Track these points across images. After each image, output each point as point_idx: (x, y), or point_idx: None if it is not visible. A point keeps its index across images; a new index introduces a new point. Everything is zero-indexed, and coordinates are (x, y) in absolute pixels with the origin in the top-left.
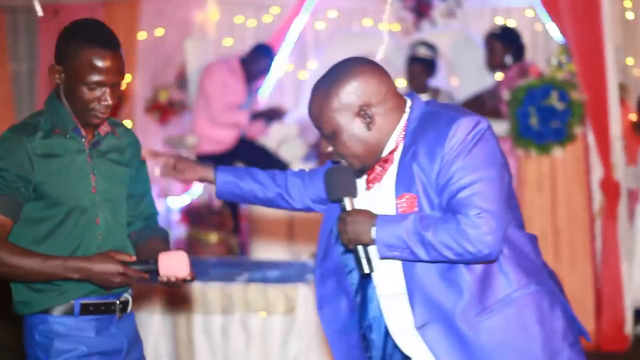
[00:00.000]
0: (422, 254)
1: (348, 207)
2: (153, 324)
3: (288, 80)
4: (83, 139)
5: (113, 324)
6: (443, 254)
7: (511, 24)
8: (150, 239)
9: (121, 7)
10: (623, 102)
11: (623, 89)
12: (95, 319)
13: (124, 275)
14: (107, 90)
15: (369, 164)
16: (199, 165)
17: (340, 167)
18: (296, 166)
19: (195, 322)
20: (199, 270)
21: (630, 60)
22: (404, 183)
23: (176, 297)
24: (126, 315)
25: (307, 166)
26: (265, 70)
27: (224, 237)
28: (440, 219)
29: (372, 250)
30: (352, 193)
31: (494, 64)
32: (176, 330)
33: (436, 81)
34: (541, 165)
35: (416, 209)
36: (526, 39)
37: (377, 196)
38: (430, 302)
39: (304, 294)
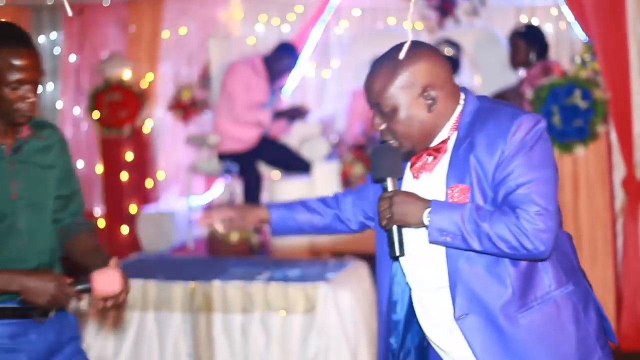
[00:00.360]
0: (475, 243)
1: (390, 188)
2: (173, 323)
3: (311, 79)
4: (2, 146)
5: (33, 328)
6: (497, 246)
7: (535, 22)
8: (78, 234)
9: (145, 5)
10: None
11: None
12: (11, 323)
13: (62, 294)
14: (29, 87)
15: (418, 148)
16: (253, 209)
17: (389, 147)
18: (317, 165)
19: (215, 320)
20: (220, 269)
21: None
22: (457, 174)
23: (196, 296)
24: (53, 319)
25: (329, 165)
26: (289, 69)
27: (244, 236)
28: (498, 212)
29: (410, 234)
30: (397, 174)
31: (517, 62)
32: (196, 329)
33: (459, 79)
34: (563, 164)
35: (467, 200)
36: (550, 37)
37: (426, 185)
38: (472, 294)
39: (324, 293)
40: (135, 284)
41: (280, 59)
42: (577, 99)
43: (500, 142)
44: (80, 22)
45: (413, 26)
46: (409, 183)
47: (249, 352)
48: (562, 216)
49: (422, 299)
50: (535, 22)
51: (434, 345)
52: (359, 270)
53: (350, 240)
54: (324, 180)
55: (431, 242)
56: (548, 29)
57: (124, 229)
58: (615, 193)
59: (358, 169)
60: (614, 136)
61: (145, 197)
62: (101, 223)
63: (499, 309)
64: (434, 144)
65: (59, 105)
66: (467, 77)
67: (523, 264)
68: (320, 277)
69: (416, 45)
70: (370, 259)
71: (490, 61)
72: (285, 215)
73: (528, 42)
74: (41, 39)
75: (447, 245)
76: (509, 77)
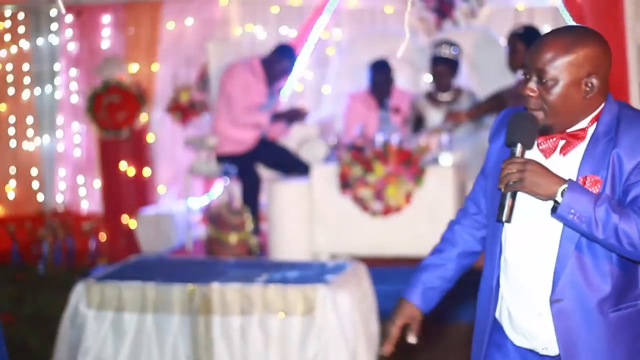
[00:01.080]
0: (599, 230)
1: (518, 154)
2: (172, 325)
3: (309, 81)
4: None
5: None
6: (619, 239)
7: (533, 23)
8: None
9: (143, 7)
10: None
11: None
12: None
13: None
14: None
15: (557, 127)
16: (412, 311)
17: (530, 115)
18: (316, 166)
19: (214, 323)
20: (219, 271)
21: None
22: (593, 164)
23: (195, 298)
24: None
25: (327, 167)
26: (287, 70)
27: (243, 238)
28: (629, 209)
29: (529, 209)
30: (529, 144)
31: (515, 64)
32: (195, 331)
33: (458, 80)
34: None
35: (598, 191)
36: None
37: (555, 167)
38: (574, 282)
39: (323, 295)
40: (134, 286)
41: (278, 60)
42: None
43: None
44: (79, 24)
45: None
46: (540, 160)
47: (248, 354)
48: None
49: (518, 277)
50: (533, 23)
51: (509, 328)
52: (358, 273)
53: (349, 242)
54: (322, 182)
55: (556, 216)
56: (546, 31)
57: (123, 231)
58: None
59: (356, 171)
60: None
61: (143, 199)
62: (100, 225)
63: (595, 303)
64: (571, 129)
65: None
66: (466, 79)
67: (629, 266)
68: (319, 279)
69: (594, 32)
70: (368, 261)
71: (488, 63)
72: (430, 296)
73: (526, 44)
74: (39, 41)
75: (570, 225)
76: (508, 79)
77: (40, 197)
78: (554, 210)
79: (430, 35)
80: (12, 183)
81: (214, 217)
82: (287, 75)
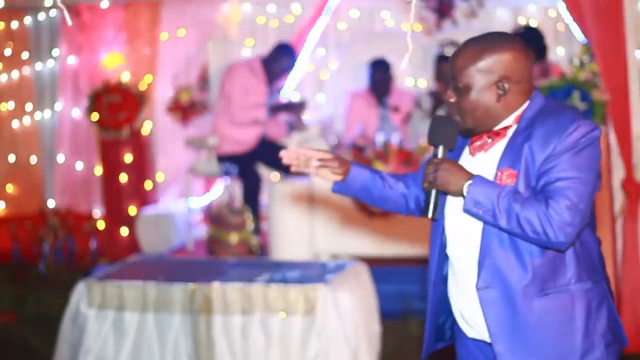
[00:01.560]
0: (503, 220)
1: (440, 155)
2: (173, 325)
3: (310, 81)
4: None
5: None
6: (522, 227)
7: (533, 23)
8: None
9: (143, 7)
10: None
11: None
12: None
13: None
14: None
15: (479, 128)
16: (343, 162)
17: (450, 119)
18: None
19: (215, 322)
20: (219, 271)
21: None
22: (509, 159)
23: (196, 298)
24: None
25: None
26: (287, 69)
27: (244, 238)
28: (532, 198)
29: (454, 208)
30: (450, 145)
31: None
32: (196, 330)
33: None
34: None
35: (514, 184)
36: (548, 38)
37: (479, 164)
38: (496, 271)
39: (323, 295)
40: (135, 285)
41: (278, 59)
42: (576, 101)
43: (554, 139)
44: (78, 25)
45: (412, 28)
46: (465, 159)
47: (249, 354)
48: (595, 219)
49: (457, 272)
50: (533, 23)
51: (460, 320)
52: (359, 272)
53: (350, 242)
54: (323, 181)
55: (464, 210)
56: (546, 31)
57: (124, 231)
58: (614, 194)
59: None
60: (612, 137)
61: (144, 198)
62: (101, 225)
63: (518, 290)
64: (496, 128)
65: (58, 107)
66: None
67: (549, 254)
68: (320, 279)
69: (509, 37)
70: (369, 261)
71: None
72: (363, 174)
73: (527, 44)
74: (39, 42)
75: (478, 218)
76: None
77: (40, 197)
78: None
79: (430, 35)
80: (12, 183)
81: (215, 217)
82: (287, 74)
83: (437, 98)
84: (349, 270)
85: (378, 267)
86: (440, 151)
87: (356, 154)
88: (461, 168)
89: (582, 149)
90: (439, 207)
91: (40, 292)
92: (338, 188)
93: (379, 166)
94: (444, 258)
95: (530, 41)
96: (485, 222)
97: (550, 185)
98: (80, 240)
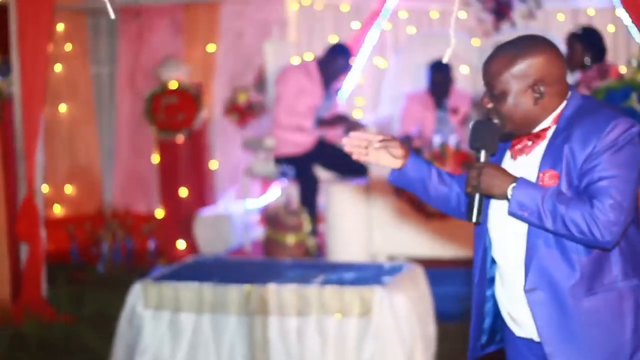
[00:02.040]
0: (548, 222)
1: (482, 159)
2: (229, 326)
3: (367, 83)
4: None
5: None
6: (568, 228)
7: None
8: None
9: (202, 8)
10: None
11: None
12: None
13: None
14: None
15: (519, 132)
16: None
17: (491, 123)
18: (373, 168)
19: (270, 324)
20: (276, 272)
21: None
22: (550, 160)
23: (252, 299)
24: None
25: (385, 169)
26: (343, 70)
27: (301, 239)
28: (576, 198)
29: (496, 206)
30: (491, 149)
31: (573, 65)
32: (252, 332)
33: None
34: None
35: (556, 185)
36: (606, 39)
37: (521, 166)
38: (544, 271)
39: (379, 297)
40: (191, 286)
41: (333, 60)
42: (634, 103)
43: (594, 138)
44: (137, 26)
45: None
46: (507, 162)
47: (305, 356)
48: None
49: (503, 273)
50: (591, 24)
51: (508, 320)
52: (415, 274)
53: (406, 243)
54: (380, 184)
55: (510, 213)
56: (605, 32)
57: (182, 232)
58: None
59: None
60: None
61: (202, 199)
62: (159, 225)
63: (566, 290)
64: (535, 130)
65: (117, 108)
66: None
67: (596, 253)
68: (376, 281)
69: (540, 40)
70: (425, 262)
71: None
72: (421, 164)
73: (584, 45)
74: (98, 43)
75: (524, 220)
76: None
77: (99, 198)
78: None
79: (487, 36)
80: (72, 184)
81: (272, 218)
82: (343, 74)
83: None
84: (405, 272)
85: (435, 268)
86: (483, 155)
87: None
88: (504, 171)
89: (621, 146)
90: (483, 211)
91: (98, 292)
92: (394, 176)
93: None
94: (487, 260)
95: (588, 42)
96: (531, 224)
97: (593, 185)
98: (139, 240)
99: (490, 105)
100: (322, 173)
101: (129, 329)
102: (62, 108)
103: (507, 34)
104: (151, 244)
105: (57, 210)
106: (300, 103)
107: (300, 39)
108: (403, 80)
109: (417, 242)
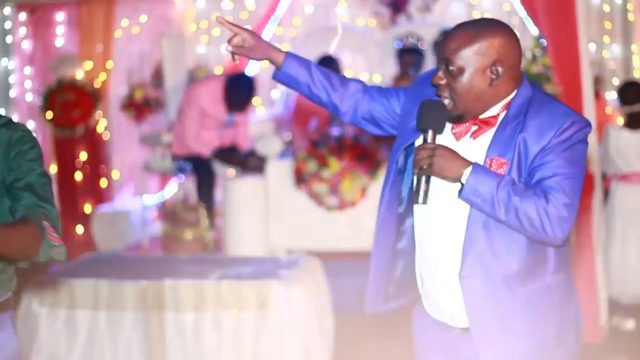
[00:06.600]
0: (501, 212)
1: (429, 140)
2: (125, 322)
3: (265, 76)
4: None
5: None
6: (521, 220)
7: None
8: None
9: (98, 5)
10: (597, 95)
11: (598, 81)
12: None
13: None
14: None
15: (467, 114)
16: (270, 46)
17: (438, 103)
18: (272, 161)
19: (167, 320)
20: (173, 268)
21: (606, 53)
22: (499, 147)
23: (148, 295)
24: None
25: (282, 162)
26: (246, 102)
27: (199, 234)
28: (530, 191)
29: (438, 190)
30: (439, 130)
31: None
32: (148, 328)
33: (420, 72)
34: None
35: (504, 173)
36: None
37: (465, 150)
38: (481, 260)
39: (276, 291)
40: (86, 283)
41: (237, 92)
42: None
43: (550, 132)
44: (33, 22)
45: (366, 23)
46: (449, 144)
47: (202, 351)
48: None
49: (427, 255)
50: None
51: (424, 298)
52: (312, 268)
53: (305, 237)
54: (277, 177)
55: (462, 198)
56: None
57: (79, 229)
58: None
59: (312, 166)
60: None
61: (99, 196)
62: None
63: (501, 279)
64: (483, 115)
65: (13, 99)
66: (423, 71)
67: (534, 245)
68: (273, 275)
69: (501, 24)
70: (324, 256)
71: None
72: (300, 69)
73: None
74: None
75: (474, 205)
76: None
77: None
78: (460, 192)
79: (384, 29)
80: None
81: (170, 214)
82: (247, 104)
83: None
84: (302, 266)
85: (334, 261)
86: (430, 136)
87: (311, 149)
88: (458, 155)
89: (575, 144)
90: (429, 192)
91: None
92: (275, 75)
93: (334, 162)
94: (400, 234)
95: None
96: (482, 211)
97: (548, 180)
98: None
99: (443, 82)
100: (219, 168)
101: (25, 327)
102: None
103: (403, 27)
104: None
105: None
106: (204, 121)
107: (197, 34)
108: None
109: (316, 236)
